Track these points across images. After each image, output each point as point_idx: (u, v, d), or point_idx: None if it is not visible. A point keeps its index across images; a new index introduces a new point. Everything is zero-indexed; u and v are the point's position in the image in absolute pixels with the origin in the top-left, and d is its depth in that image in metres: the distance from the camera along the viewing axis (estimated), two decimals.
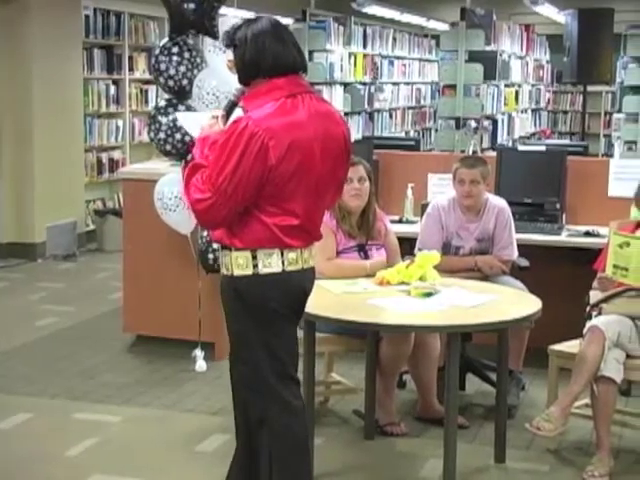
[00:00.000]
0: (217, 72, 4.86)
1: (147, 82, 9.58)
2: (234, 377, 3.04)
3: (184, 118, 3.24)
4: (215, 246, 4.61)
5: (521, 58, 11.44)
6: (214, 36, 4.98)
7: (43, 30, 8.05)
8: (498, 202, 4.67)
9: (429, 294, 3.79)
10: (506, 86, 10.61)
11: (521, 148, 6.00)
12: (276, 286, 2.91)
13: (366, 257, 4.26)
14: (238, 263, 2.88)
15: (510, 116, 10.85)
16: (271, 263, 2.88)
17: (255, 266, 2.87)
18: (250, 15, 9.20)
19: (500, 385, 4.01)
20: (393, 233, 4.48)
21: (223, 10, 5.73)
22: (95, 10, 8.92)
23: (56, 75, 8.22)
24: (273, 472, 2.96)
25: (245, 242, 2.88)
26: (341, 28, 10.12)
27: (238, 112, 2.96)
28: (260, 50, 2.90)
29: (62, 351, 5.52)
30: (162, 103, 5.14)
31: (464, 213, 4.58)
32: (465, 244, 4.58)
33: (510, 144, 10.21)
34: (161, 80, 5.09)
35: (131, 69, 9.44)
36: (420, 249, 4.48)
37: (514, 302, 3.89)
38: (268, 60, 2.89)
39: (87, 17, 8.81)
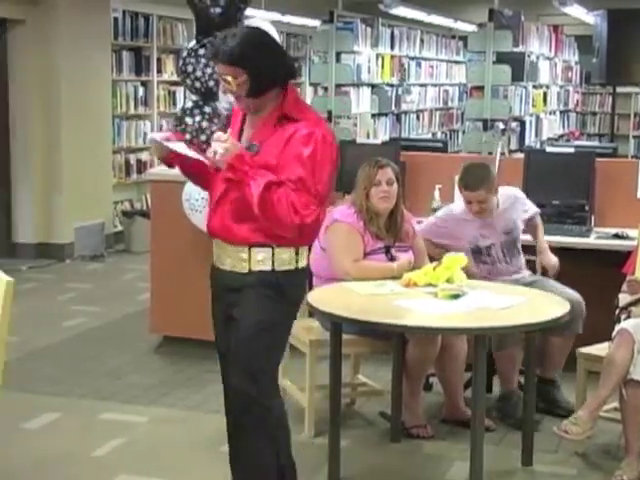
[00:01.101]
0: None
1: (175, 84, 9.62)
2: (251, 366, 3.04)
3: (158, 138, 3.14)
4: None
5: (549, 59, 11.36)
6: None
7: (72, 32, 8.10)
8: (507, 192, 4.61)
9: (456, 296, 3.77)
10: (534, 87, 10.54)
11: (549, 150, 5.96)
12: (305, 279, 3.19)
13: (393, 259, 4.24)
14: (282, 259, 3.03)
15: (538, 117, 10.78)
16: (305, 257, 3.10)
17: (297, 261, 3.06)
18: (277, 17, 9.25)
19: (527, 388, 3.98)
20: (420, 234, 4.46)
21: (250, 12, 5.76)
22: (124, 12, 8.97)
23: (85, 77, 8.27)
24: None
25: (289, 241, 3.01)
26: (368, 29, 10.10)
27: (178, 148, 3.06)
28: (275, 60, 2.98)
29: (89, 351, 5.55)
30: (189, 104, 5.16)
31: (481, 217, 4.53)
32: (494, 241, 4.51)
33: (538, 146, 10.14)
34: (188, 82, 5.11)
35: (159, 71, 9.49)
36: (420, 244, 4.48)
37: (543, 304, 3.86)
38: (283, 69, 3.01)
39: (116, 19, 8.87)
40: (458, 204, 4.61)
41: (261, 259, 3.03)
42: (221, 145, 2.88)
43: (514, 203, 4.60)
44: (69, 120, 8.15)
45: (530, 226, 4.69)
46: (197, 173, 3.20)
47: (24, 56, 8.04)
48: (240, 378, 3.03)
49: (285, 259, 3.04)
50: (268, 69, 2.96)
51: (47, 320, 6.25)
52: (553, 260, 4.57)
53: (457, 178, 4.52)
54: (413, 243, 4.36)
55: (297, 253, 3.06)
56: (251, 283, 3.03)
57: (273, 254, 3.03)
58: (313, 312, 3.95)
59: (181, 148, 3.09)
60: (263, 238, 3.01)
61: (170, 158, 3.17)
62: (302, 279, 3.17)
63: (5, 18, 7.93)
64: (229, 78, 2.94)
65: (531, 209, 4.71)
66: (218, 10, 5.00)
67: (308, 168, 2.89)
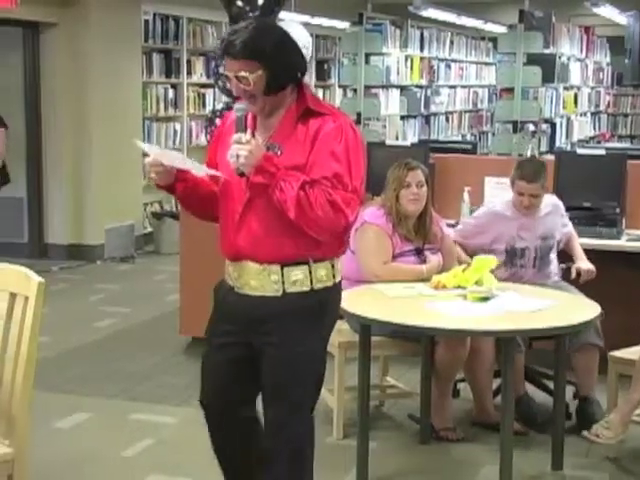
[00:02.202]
0: None
1: (204, 86, 9.67)
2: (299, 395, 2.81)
3: (149, 148, 2.81)
4: None
5: (580, 60, 11.28)
6: None
7: (103, 35, 8.16)
8: (549, 199, 4.59)
9: (486, 298, 3.75)
10: (565, 89, 10.47)
11: (580, 151, 5.92)
12: (341, 292, 2.92)
13: (422, 261, 4.23)
14: (319, 275, 2.75)
15: (569, 119, 10.71)
16: (340, 270, 2.84)
17: (334, 275, 2.79)
18: (307, 19, 9.26)
19: (557, 392, 3.95)
20: (449, 237, 4.45)
21: (281, 14, 5.77)
22: (154, 15, 9.03)
23: (115, 79, 8.34)
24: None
25: (325, 252, 2.76)
26: (398, 31, 10.09)
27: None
28: (291, 52, 2.74)
29: (119, 352, 5.59)
30: (219, 106, 5.19)
31: (524, 215, 4.52)
32: (529, 244, 4.48)
33: (569, 148, 10.07)
34: (220, 83, 5.15)
35: (189, 73, 9.53)
36: (455, 239, 4.49)
37: (572, 307, 3.84)
38: (300, 62, 2.77)
39: (146, 22, 8.93)
40: (499, 201, 4.59)
41: (297, 279, 2.73)
42: (244, 148, 2.58)
43: (555, 212, 4.58)
44: (100, 122, 8.21)
45: (566, 240, 4.66)
46: (205, 196, 2.87)
47: (56, 59, 8.12)
48: (283, 411, 2.78)
49: (323, 275, 2.75)
50: (285, 62, 2.69)
51: (78, 321, 6.29)
52: (590, 266, 4.52)
53: (513, 175, 4.48)
54: (442, 245, 4.35)
55: (333, 266, 2.78)
56: (287, 308, 2.73)
57: (310, 271, 2.73)
58: (342, 314, 3.94)
59: (184, 162, 2.78)
60: (299, 253, 2.72)
61: (177, 180, 2.80)
62: (340, 293, 2.89)
63: (38, 21, 8.01)
64: (245, 74, 2.64)
65: (569, 225, 4.69)
66: (253, 11, 5.03)
67: (343, 163, 2.64)
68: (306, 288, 2.73)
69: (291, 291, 2.73)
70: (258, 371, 2.82)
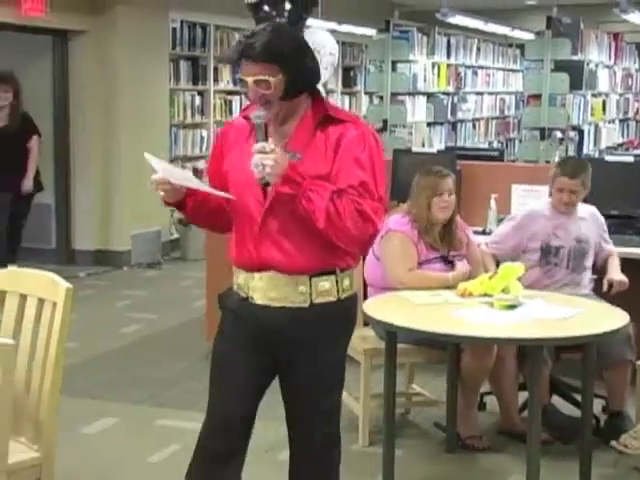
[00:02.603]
0: None
1: (231, 93, 9.71)
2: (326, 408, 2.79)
3: (157, 164, 2.72)
4: None
5: (609, 67, 11.22)
6: None
7: (131, 42, 8.22)
8: (590, 208, 4.59)
9: (513, 306, 3.73)
10: (593, 96, 10.42)
11: (608, 159, 5.87)
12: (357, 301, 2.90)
13: (449, 269, 4.21)
14: (345, 285, 2.69)
15: (597, 126, 10.65)
16: (355, 279, 2.79)
17: (353, 284, 2.74)
18: (334, 26, 9.26)
19: (585, 403, 3.91)
20: (475, 244, 4.44)
21: (309, 21, 5.78)
22: (182, 22, 9.08)
23: (143, 86, 8.39)
24: None
25: (349, 261, 2.71)
26: (425, 38, 10.09)
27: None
28: (308, 57, 2.65)
29: (146, 358, 5.61)
30: None
31: (562, 213, 4.48)
32: (564, 243, 4.45)
33: (597, 155, 10.01)
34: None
35: (216, 80, 9.57)
36: (487, 243, 4.50)
37: (600, 316, 3.80)
38: (318, 71, 2.69)
39: (174, 29, 8.98)
40: (539, 203, 4.61)
41: (325, 289, 2.66)
42: (269, 157, 2.49)
43: (592, 221, 4.56)
44: (127, 129, 8.26)
45: (605, 257, 4.62)
46: (215, 209, 2.79)
47: (84, 66, 8.18)
48: (319, 422, 2.76)
49: (347, 285, 2.70)
50: (303, 67, 2.61)
51: (104, 327, 6.33)
52: (622, 277, 4.48)
53: (554, 171, 4.47)
54: (468, 251, 4.34)
55: (352, 275, 2.74)
56: (315, 319, 2.66)
57: (337, 281, 2.67)
58: (368, 321, 3.94)
59: (191, 182, 2.70)
60: (327, 262, 2.66)
61: (187, 195, 2.73)
62: (357, 301, 2.85)
63: (67, 29, 8.08)
64: (266, 77, 2.55)
65: (611, 244, 4.65)
66: (281, 19, 5.05)
67: (368, 171, 2.57)
68: (333, 298, 2.67)
69: (318, 302, 2.66)
70: (268, 384, 2.80)
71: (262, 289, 2.68)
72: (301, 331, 2.67)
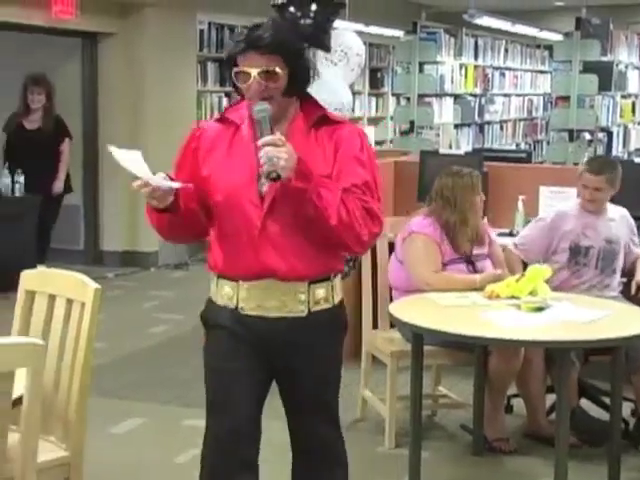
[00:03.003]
0: (328, 85, 4.90)
1: None
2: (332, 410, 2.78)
3: (118, 154, 2.57)
4: None
5: (639, 68, 11.13)
6: (327, 49, 5.04)
7: (159, 44, 8.27)
8: (621, 210, 4.57)
9: (540, 309, 3.71)
10: (622, 97, 10.34)
11: (638, 160, 5.83)
12: None
13: (473, 269, 4.20)
14: (337, 289, 2.64)
15: (626, 128, 10.57)
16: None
17: (340, 288, 2.67)
18: (361, 28, 9.26)
19: (614, 407, 3.88)
20: (497, 244, 4.42)
21: (335, 23, 5.78)
22: (209, 24, 9.12)
23: (170, 87, 8.43)
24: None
25: (341, 265, 2.69)
26: (452, 39, 10.06)
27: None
28: (312, 62, 2.61)
29: (173, 358, 5.63)
30: None
31: (590, 212, 4.45)
32: (594, 243, 4.42)
33: (626, 156, 9.94)
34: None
35: None
36: (516, 245, 4.47)
37: (629, 318, 3.77)
38: (315, 73, 2.61)
39: (201, 31, 9.02)
40: (568, 203, 4.60)
41: (321, 297, 2.59)
42: (281, 149, 2.37)
43: (624, 223, 4.54)
44: (155, 130, 8.30)
45: (634, 259, 4.59)
46: (195, 210, 2.65)
47: (113, 68, 8.25)
48: (327, 426, 2.75)
49: (338, 289, 2.64)
50: (305, 62, 2.55)
51: (132, 327, 6.36)
52: None
53: (580, 168, 4.48)
54: (490, 251, 4.32)
55: (339, 279, 2.67)
56: (313, 328, 2.59)
57: (332, 287, 2.61)
58: (394, 323, 3.93)
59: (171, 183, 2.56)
60: (327, 267, 2.60)
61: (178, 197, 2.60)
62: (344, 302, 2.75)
63: (96, 32, 8.14)
64: (275, 69, 2.46)
65: (639, 247, 4.63)
66: (308, 21, 5.05)
67: (368, 170, 2.54)
68: (328, 305, 2.61)
69: (315, 309, 2.58)
70: (268, 390, 2.78)
71: (257, 298, 2.57)
72: (298, 338, 2.60)
